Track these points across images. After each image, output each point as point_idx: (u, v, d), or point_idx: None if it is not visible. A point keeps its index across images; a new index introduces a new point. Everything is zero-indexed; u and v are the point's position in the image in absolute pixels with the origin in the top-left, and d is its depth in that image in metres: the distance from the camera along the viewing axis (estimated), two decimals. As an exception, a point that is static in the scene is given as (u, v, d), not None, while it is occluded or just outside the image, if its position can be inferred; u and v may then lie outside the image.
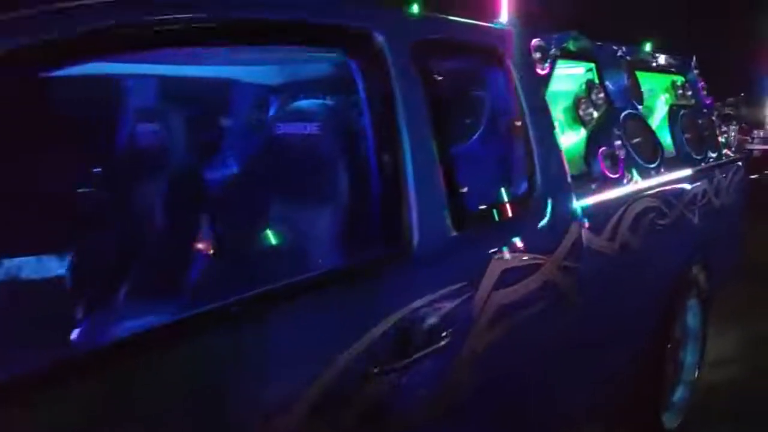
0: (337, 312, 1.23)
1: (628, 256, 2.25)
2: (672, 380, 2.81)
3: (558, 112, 2.31)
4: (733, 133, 9.04)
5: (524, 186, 1.81)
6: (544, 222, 1.81)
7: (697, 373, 3.02)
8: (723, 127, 9.61)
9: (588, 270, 1.97)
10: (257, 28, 1.26)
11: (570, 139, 2.31)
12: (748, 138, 9.25)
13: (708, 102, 3.37)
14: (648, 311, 2.46)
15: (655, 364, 2.56)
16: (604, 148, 2.29)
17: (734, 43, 18.48)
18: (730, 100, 20.42)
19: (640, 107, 2.65)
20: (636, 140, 2.51)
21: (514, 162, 1.85)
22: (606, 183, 2.23)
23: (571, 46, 2.31)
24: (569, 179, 1.98)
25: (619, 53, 2.61)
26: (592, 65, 2.51)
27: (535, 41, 2.06)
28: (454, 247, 1.48)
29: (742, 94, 19.81)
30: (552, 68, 2.16)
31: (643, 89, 2.78)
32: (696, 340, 3.02)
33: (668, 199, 2.58)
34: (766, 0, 16.09)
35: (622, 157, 2.35)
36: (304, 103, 1.71)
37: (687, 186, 2.77)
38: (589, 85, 2.42)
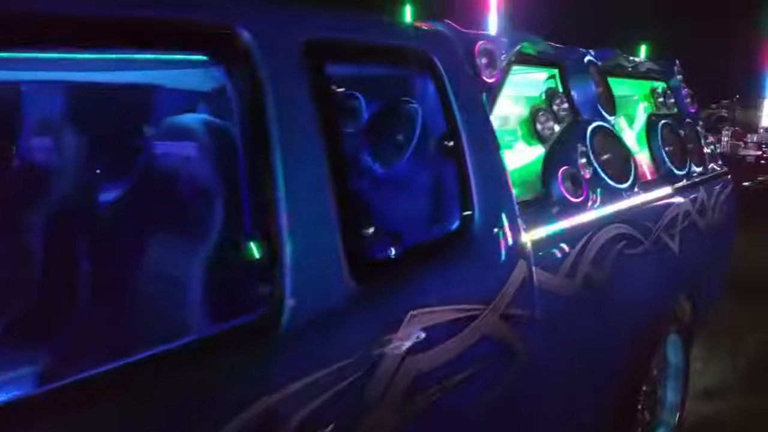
0: (177, 406, 0.91)
1: (593, 295, 1.94)
2: (649, 424, 2.50)
3: (512, 126, 2.00)
4: (726, 138, 8.82)
5: (456, 219, 1.49)
6: (480, 262, 1.49)
7: (679, 414, 2.71)
8: (716, 131, 9.34)
9: (541, 316, 1.66)
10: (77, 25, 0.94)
11: (525, 157, 2.00)
12: (740, 143, 8.96)
13: (692, 110, 3.06)
14: (619, 355, 2.14)
15: (628, 411, 2.24)
16: (565, 167, 1.97)
17: (730, 44, 18.24)
18: (725, 102, 20.21)
19: (611, 118, 2.34)
20: (605, 157, 2.19)
21: (444, 189, 1.53)
22: (566, 208, 1.91)
23: (528, 49, 2.00)
24: (516, 208, 1.65)
25: (588, 58, 2.29)
26: (555, 71, 2.19)
27: (480, 44, 1.74)
28: (351, 308, 1.15)
29: (737, 97, 19.61)
30: (503, 76, 1.85)
31: (616, 98, 2.47)
32: (678, 377, 2.70)
33: (644, 224, 2.26)
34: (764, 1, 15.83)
35: (588, 177, 2.04)
36: (181, 119, 1.38)
37: (667, 207, 2.45)
38: (550, 94, 2.10)
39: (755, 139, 9.86)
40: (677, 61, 3.03)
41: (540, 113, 2.00)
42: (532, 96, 2.13)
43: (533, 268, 1.64)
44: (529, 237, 1.67)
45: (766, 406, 3.14)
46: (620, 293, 2.09)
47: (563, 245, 1.82)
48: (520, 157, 2.04)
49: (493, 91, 1.79)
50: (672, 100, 2.93)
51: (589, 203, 2.00)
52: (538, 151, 2.03)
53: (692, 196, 2.70)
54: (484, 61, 1.74)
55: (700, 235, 2.74)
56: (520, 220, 1.66)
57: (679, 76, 3.01)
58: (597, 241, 1.97)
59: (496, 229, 1.54)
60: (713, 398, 3.24)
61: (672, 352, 2.60)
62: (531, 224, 1.73)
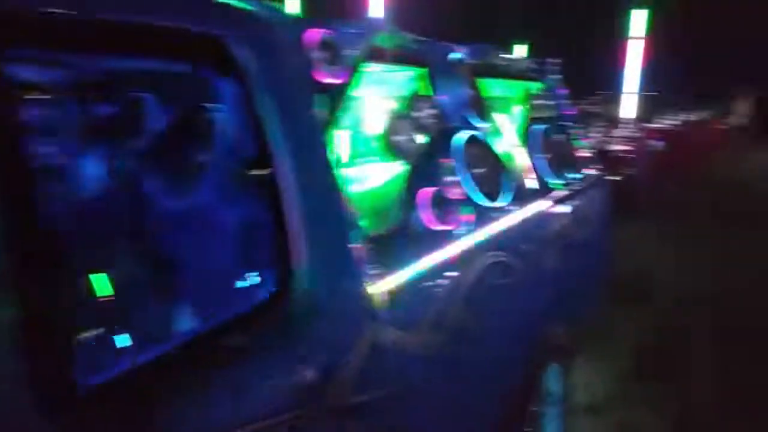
0: None
1: (464, 347, 1.61)
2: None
3: (367, 140, 1.62)
4: (596, 135, 9.15)
5: (266, 284, 1.07)
6: (305, 345, 1.07)
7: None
8: (588, 127, 9.71)
9: (398, 391, 1.29)
10: None
11: (380, 179, 1.62)
12: (608, 139, 9.37)
13: (570, 112, 2.87)
14: (494, 409, 1.85)
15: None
16: (430, 188, 1.62)
17: (599, 42, 19.42)
18: (593, 97, 21.62)
19: (484, 126, 2.03)
20: (478, 172, 1.88)
21: (250, 238, 1.10)
22: (432, 240, 1.57)
23: (386, 43, 1.61)
24: (362, 252, 1.27)
25: (457, 55, 1.96)
26: (423, 71, 1.84)
27: (317, 34, 1.33)
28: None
29: (605, 92, 21.01)
30: (352, 75, 1.45)
31: (490, 101, 2.18)
32: (559, 404, 2.51)
33: (521, 247, 1.99)
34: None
35: (458, 199, 1.71)
36: None
37: (546, 224, 2.21)
38: (415, 98, 1.74)
39: (621, 133, 10.39)
40: (554, 60, 2.82)
41: (399, 123, 1.63)
42: (394, 101, 1.76)
43: (388, 331, 1.27)
44: (381, 288, 1.30)
45: (644, 418, 3.08)
46: (495, 337, 1.80)
47: (428, 290, 1.47)
48: (375, 178, 1.66)
49: (338, 94, 1.38)
50: (550, 102, 2.72)
51: (460, 231, 1.67)
52: (397, 169, 1.66)
53: (571, 207, 2.50)
54: (322, 55, 1.33)
55: (579, 247, 2.55)
56: (368, 268, 1.27)
57: (556, 76, 2.80)
58: (469, 278, 1.64)
59: (329, 291, 1.14)
60: (593, 414, 3.14)
61: (553, 382, 2.38)
62: (385, 268, 1.35)
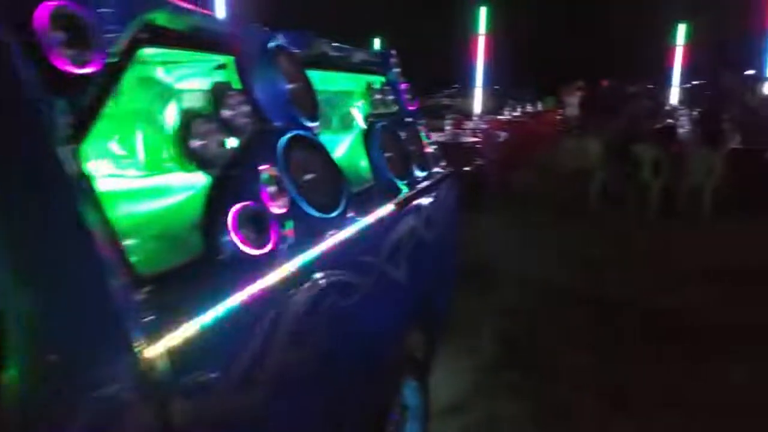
0: None
1: (295, 387, 1.34)
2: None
3: (135, 147, 1.27)
4: (448, 127, 9.40)
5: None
6: None
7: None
8: (441, 119, 9.92)
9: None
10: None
11: (168, 196, 1.29)
12: (460, 131, 9.68)
13: (413, 108, 2.71)
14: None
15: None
16: (241, 204, 1.31)
17: (452, 37, 20.21)
18: (447, 91, 22.55)
19: (314, 125, 1.76)
20: (306, 179, 1.61)
21: None
22: (243, 269, 1.26)
23: (168, 22, 1.27)
24: (133, 303, 0.94)
25: (275, 43, 1.66)
26: (229, 59, 1.51)
27: (47, 7, 0.95)
28: None
29: (457, 86, 22.01)
30: (114, 64, 1.09)
31: (322, 96, 1.92)
32: (419, 416, 2.34)
33: (362, 260, 1.76)
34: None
35: (279, 213, 1.42)
36: None
37: (390, 230, 2.00)
38: (218, 92, 1.42)
39: (471, 125, 10.82)
40: (394, 52, 2.64)
41: (198, 124, 1.29)
42: (190, 97, 1.42)
43: (171, 407, 0.95)
44: (162, 350, 0.97)
45: (511, 409, 3.06)
46: (338, 367, 1.55)
47: (235, 338, 1.17)
48: (163, 196, 1.32)
49: (90, 90, 1.02)
50: (391, 97, 2.53)
51: (282, 252, 1.38)
52: (195, 182, 1.33)
53: (418, 208, 2.33)
54: (58, 36, 0.96)
55: (429, 250, 2.40)
56: (143, 322, 0.94)
57: (397, 69, 2.62)
58: (293, 308, 1.37)
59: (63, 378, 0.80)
60: (458, 412, 3.05)
61: (411, 397, 2.20)
62: (178, 315, 1.03)
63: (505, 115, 14.10)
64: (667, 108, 14.41)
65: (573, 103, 19.16)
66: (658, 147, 7.47)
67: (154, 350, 0.96)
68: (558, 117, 17.91)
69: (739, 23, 14.64)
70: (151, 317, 0.99)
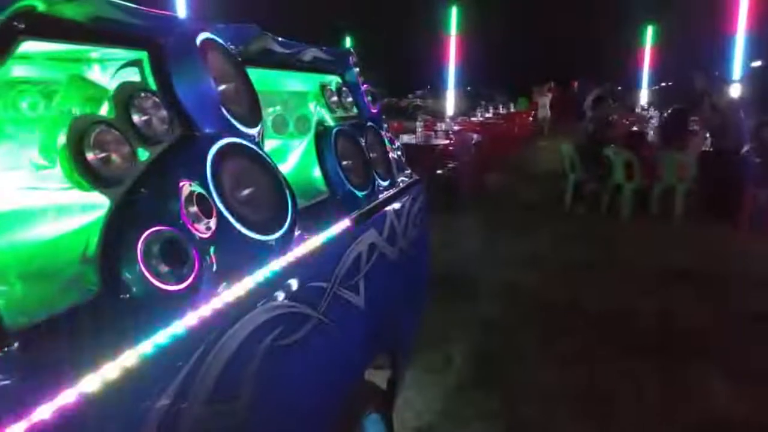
0: None
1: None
2: None
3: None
4: (419, 129, 9.23)
5: None
6: None
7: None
8: (413, 119, 9.75)
9: None
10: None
11: (53, 224, 1.05)
12: (432, 132, 9.52)
13: (374, 110, 2.50)
14: None
15: None
16: (153, 228, 1.08)
17: (423, 37, 20.10)
18: (419, 92, 22.47)
19: (253, 131, 1.53)
20: (241, 194, 1.38)
21: None
22: (155, 307, 1.03)
23: (51, 8, 1.03)
24: None
25: (203, 36, 1.43)
26: (141, 54, 1.28)
27: None
28: None
29: (429, 87, 21.93)
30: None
31: (264, 100, 1.69)
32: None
33: (310, 286, 1.54)
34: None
35: (202, 237, 1.19)
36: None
37: (345, 248, 1.78)
38: (124, 94, 1.18)
39: (443, 127, 10.67)
40: (353, 51, 2.42)
41: (96, 132, 1.05)
42: (84, 100, 1.18)
43: None
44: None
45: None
46: (283, 413, 1.32)
47: (143, 400, 0.94)
48: (40, 224, 1.08)
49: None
50: (349, 99, 2.31)
51: (207, 285, 1.15)
52: (94, 203, 1.09)
53: (379, 221, 2.12)
54: None
55: (393, 267, 2.19)
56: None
57: (356, 69, 2.40)
58: (222, 352, 1.14)
59: None
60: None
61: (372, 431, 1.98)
62: (48, 388, 0.80)
63: (478, 117, 14.03)
64: (636, 110, 14.52)
65: (545, 104, 19.28)
66: (629, 149, 7.42)
67: (21, 429, 0.73)
68: (530, 119, 17.94)
69: (707, 24, 14.85)
70: (16, 384, 0.76)
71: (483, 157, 9.65)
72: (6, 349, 0.76)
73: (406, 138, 8.70)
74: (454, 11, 17.33)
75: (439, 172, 8.27)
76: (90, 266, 1.00)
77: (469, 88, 20.46)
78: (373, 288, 1.89)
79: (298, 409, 1.44)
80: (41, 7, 0.98)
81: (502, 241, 6.34)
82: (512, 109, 17.52)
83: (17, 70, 1.38)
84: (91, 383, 0.84)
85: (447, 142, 9.09)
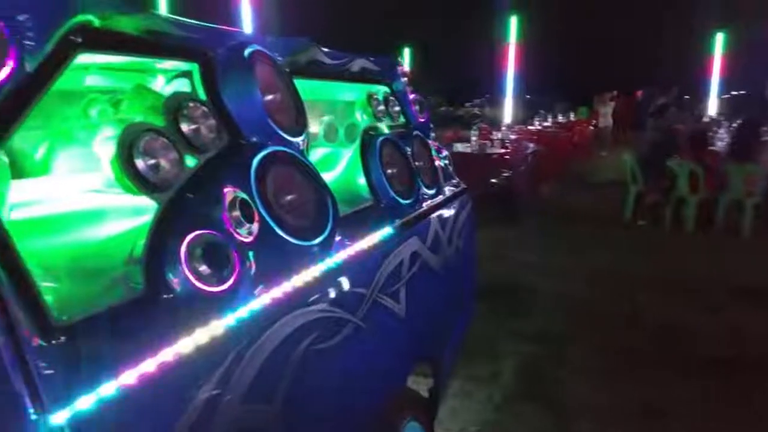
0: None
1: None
2: None
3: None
4: (474, 138, 9.15)
5: None
6: None
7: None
8: (471, 128, 9.67)
9: None
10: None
11: (103, 225, 1.11)
12: (487, 141, 9.41)
13: (422, 120, 2.51)
14: None
15: None
16: (196, 232, 1.13)
17: (484, 46, 19.97)
18: (477, 101, 22.31)
19: (297, 139, 1.57)
20: (285, 200, 1.42)
21: None
22: (193, 311, 1.08)
23: (120, 24, 1.10)
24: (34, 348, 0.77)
25: (252, 48, 1.49)
26: (193, 66, 1.35)
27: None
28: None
29: (487, 96, 21.74)
30: (30, 72, 0.93)
31: (312, 109, 1.74)
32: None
33: (349, 292, 1.56)
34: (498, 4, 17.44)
35: (244, 242, 1.23)
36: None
37: (385, 257, 1.80)
38: (177, 104, 1.24)
39: (499, 136, 10.54)
40: (400, 60, 2.45)
41: (145, 139, 1.12)
42: (137, 109, 1.26)
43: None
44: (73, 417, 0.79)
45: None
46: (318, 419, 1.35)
47: (183, 395, 0.98)
48: (91, 226, 1.15)
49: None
50: (396, 108, 2.33)
51: (244, 286, 1.20)
52: (142, 207, 1.16)
53: (422, 230, 2.12)
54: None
55: (436, 276, 2.19)
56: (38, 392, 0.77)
57: (404, 78, 2.42)
58: (259, 353, 1.18)
59: None
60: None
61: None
62: (92, 379, 0.85)
63: (536, 126, 13.77)
64: (705, 119, 13.86)
65: (607, 113, 18.68)
66: (695, 160, 7.08)
67: (63, 417, 0.78)
68: (591, 128, 17.45)
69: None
70: (65, 374, 0.82)
71: (540, 166, 9.45)
72: (53, 342, 0.82)
73: (460, 146, 8.65)
74: (513, 20, 17.12)
75: (493, 181, 8.17)
76: (136, 266, 1.06)
77: (528, 96, 20.14)
78: (414, 296, 1.89)
79: (333, 413, 1.47)
80: (97, 21, 1.05)
81: (557, 252, 6.18)
82: (572, 118, 17.10)
83: (90, 79, 1.48)
84: (129, 377, 0.89)
85: (503, 151, 8.97)
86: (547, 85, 19.55)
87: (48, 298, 0.87)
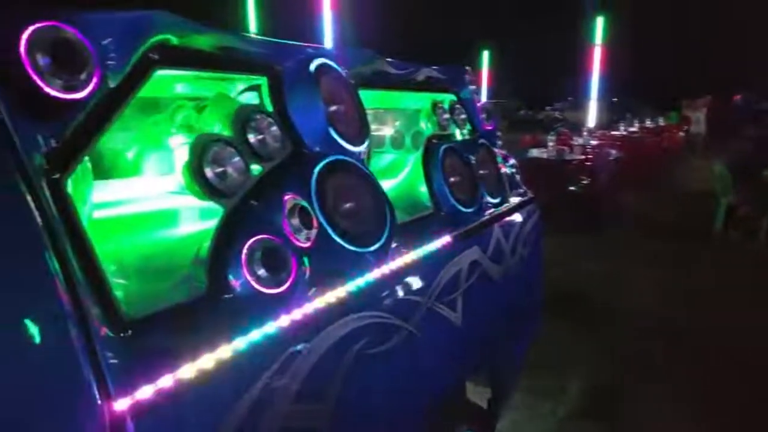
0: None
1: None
2: None
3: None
4: (551, 144, 8.89)
5: None
6: None
7: None
8: (552, 131, 9.41)
9: None
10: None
11: (171, 228, 1.20)
12: (566, 147, 9.12)
13: (489, 127, 2.49)
14: None
15: None
16: (257, 236, 1.20)
17: (565, 48, 19.39)
18: (558, 104, 21.68)
19: (359, 149, 1.62)
20: (344, 207, 1.47)
21: None
22: (251, 309, 1.15)
23: (187, 41, 1.19)
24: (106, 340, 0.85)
25: (318, 62, 1.55)
26: (261, 80, 1.42)
27: (31, 30, 0.90)
28: None
29: (570, 98, 21.07)
30: (114, 88, 1.03)
31: (376, 119, 1.78)
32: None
33: (405, 299, 1.59)
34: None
35: (303, 246, 1.29)
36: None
37: (443, 265, 1.81)
38: (245, 115, 1.32)
39: (580, 141, 10.18)
40: (468, 68, 2.45)
41: (214, 149, 1.20)
42: (208, 120, 1.34)
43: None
44: (139, 405, 0.87)
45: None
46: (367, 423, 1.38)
47: (240, 390, 1.05)
48: (162, 228, 1.24)
49: (82, 115, 0.96)
50: (462, 116, 2.33)
51: (300, 290, 1.25)
52: (210, 211, 1.24)
53: (483, 239, 2.11)
54: (43, 61, 0.91)
55: (496, 286, 2.16)
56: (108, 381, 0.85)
57: (472, 87, 2.42)
58: (312, 354, 1.23)
59: None
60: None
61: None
62: (158, 370, 0.93)
63: (620, 130, 13.19)
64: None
65: (699, 119, 17.57)
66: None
67: (126, 404, 0.87)
68: (681, 134, 16.47)
69: None
70: (130, 365, 0.90)
71: (624, 174, 9.05)
72: (121, 335, 0.90)
73: (536, 152, 8.44)
74: (599, 20, 16.49)
75: (571, 188, 7.91)
76: (201, 267, 1.14)
77: (615, 99, 19.33)
78: (472, 305, 1.89)
79: (384, 417, 1.50)
80: (175, 39, 1.15)
81: (636, 265, 5.90)
82: (661, 123, 16.23)
83: (179, 87, 1.60)
84: (189, 371, 0.96)
85: (582, 157, 8.66)
86: (634, 87, 18.64)
87: (119, 294, 0.96)
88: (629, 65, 18.16)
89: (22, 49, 0.88)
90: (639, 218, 8.42)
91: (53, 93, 0.91)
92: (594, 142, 10.27)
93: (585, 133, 11.77)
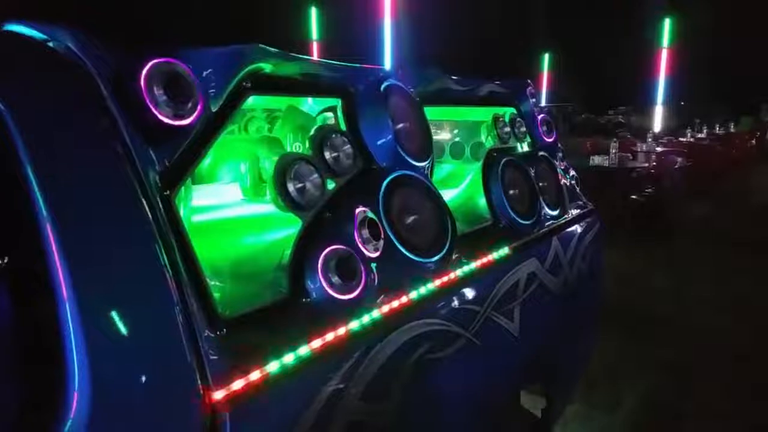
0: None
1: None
2: None
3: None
4: (614, 150, 8.68)
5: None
6: None
7: None
8: (614, 136, 9.16)
9: None
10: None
11: (256, 237, 1.33)
12: (629, 154, 8.89)
13: (549, 140, 2.53)
14: None
15: None
16: (332, 246, 1.32)
17: (628, 53, 18.83)
18: (621, 108, 21.05)
19: (423, 164, 1.72)
20: (409, 220, 1.57)
21: None
22: (324, 313, 1.26)
23: (273, 68, 1.32)
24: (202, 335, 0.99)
25: (388, 82, 1.66)
26: (335, 101, 1.55)
27: (150, 66, 1.05)
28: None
29: (633, 103, 20.41)
30: (215, 114, 1.17)
31: (439, 134, 1.87)
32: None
33: (463, 308, 1.67)
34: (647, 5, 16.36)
35: (371, 257, 1.40)
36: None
37: (501, 276, 1.88)
38: (322, 135, 1.44)
39: (644, 148, 9.90)
40: (529, 81, 2.50)
41: (296, 166, 1.33)
42: (289, 139, 1.48)
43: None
44: (230, 396, 1.00)
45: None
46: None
47: (312, 388, 1.16)
48: (252, 237, 1.37)
49: (188, 139, 1.11)
50: (522, 129, 2.39)
51: (369, 296, 1.36)
52: (292, 223, 1.36)
53: (542, 251, 2.16)
54: (158, 92, 1.05)
55: (554, 298, 2.21)
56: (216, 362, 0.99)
57: (533, 100, 2.47)
58: (377, 360, 1.33)
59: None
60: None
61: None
62: (246, 365, 1.06)
63: (687, 137, 12.71)
64: None
65: (775, 125, 16.62)
66: None
67: (220, 395, 0.99)
68: (754, 141, 15.66)
69: None
70: (225, 360, 1.03)
71: (691, 183, 8.74)
72: (218, 332, 1.03)
73: (597, 159, 8.26)
74: (666, 22, 15.93)
75: (633, 197, 7.71)
76: (283, 273, 1.27)
77: (683, 103, 18.59)
78: (529, 316, 1.95)
79: (440, 421, 1.58)
80: (267, 68, 1.28)
81: (699, 279, 5.70)
82: (732, 130, 15.49)
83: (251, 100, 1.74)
84: (273, 366, 1.09)
85: (646, 165, 8.43)
86: (703, 91, 17.87)
87: (216, 295, 1.09)
88: (698, 68, 17.41)
89: (142, 82, 1.03)
90: (705, 230, 8.10)
91: (166, 120, 1.06)
92: (658, 150, 9.96)
93: (650, 139, 11.41)
